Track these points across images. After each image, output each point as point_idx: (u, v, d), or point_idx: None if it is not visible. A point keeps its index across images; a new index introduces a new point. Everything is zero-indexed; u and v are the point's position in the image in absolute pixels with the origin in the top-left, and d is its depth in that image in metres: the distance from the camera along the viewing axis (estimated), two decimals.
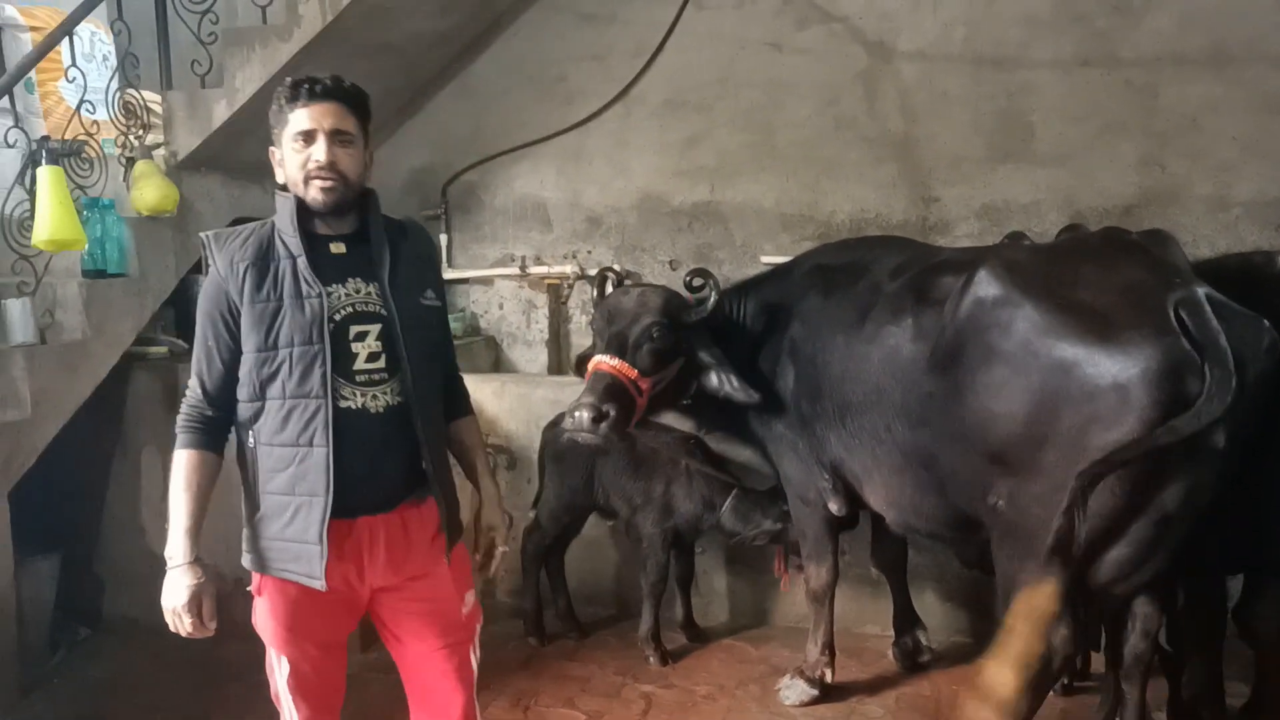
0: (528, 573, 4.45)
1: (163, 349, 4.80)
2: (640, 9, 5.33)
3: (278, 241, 2.39)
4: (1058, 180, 4.92)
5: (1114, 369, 2.61)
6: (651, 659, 4.21)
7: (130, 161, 4.44)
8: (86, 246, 4.12)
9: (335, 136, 2.34)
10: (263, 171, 5.40)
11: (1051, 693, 3.60)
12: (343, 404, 2.34)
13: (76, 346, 4.11)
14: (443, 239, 5.70)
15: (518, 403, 4.83)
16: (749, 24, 5.23)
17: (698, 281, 3.77)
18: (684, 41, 5.30)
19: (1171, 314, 2.62)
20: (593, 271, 5.38)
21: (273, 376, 2.33)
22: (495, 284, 5.77)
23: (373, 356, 2.38)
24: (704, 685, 4.05)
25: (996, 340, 2.83)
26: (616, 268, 5.41)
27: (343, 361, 2.35)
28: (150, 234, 4.48)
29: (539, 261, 5.68)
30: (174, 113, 4.67)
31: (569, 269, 5.61)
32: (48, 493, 4.34)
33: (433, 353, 2.53)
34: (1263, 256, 3.28)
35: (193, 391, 2.41)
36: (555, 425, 4.43)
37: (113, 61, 4.91)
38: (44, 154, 3.93)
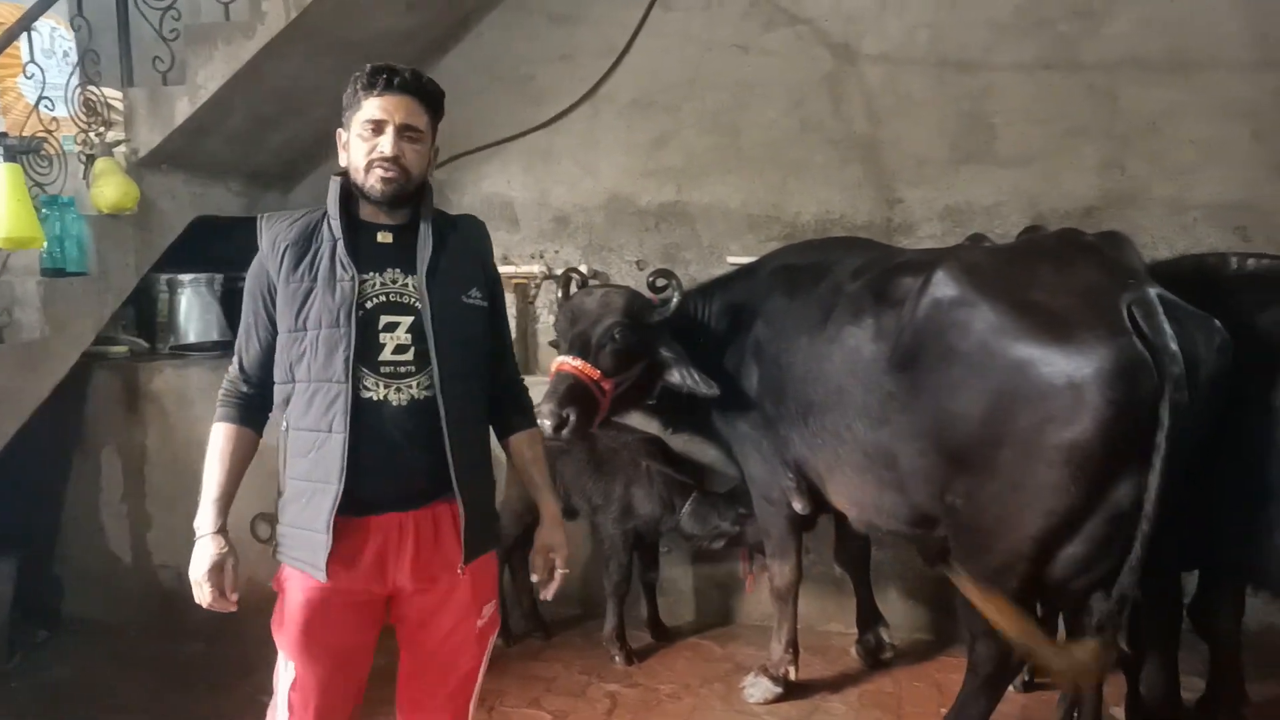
0: None
1: (123, 348, 4.75)
2: (608, 9, 5.33)
3: (324, 225, 2.37)
4: (1020, 182, 4.97)
5: (1068, 368, 2.65)
6: (616, 658, 4.22)
7: (90, 159, 4.37)
8: (45, 245, 4.06)
9: (404, 131, 2.31)
10: (225, 170, 5.38)
11: (1011, 689, 3.67)
12: (364, 394, 2.29)
13: (35, 345, 4.05)
14: None
15: None
16: (716, 25, 5.25)
17: (660, 282, 3.79)
18: (651, 42, 5.30)
19: (1125, 314, 2.67)
20: (560, 271, 5.36)
21: (300, 358, 2.32)
22: None
23: (401, 349, 2.33)
24: (669, 684, 4.07)
25: (954, 340, 2.86)
26: (582, 268, 5.41)
27: (369, 350, 2.30)
28: (110, 232, 4.43)
29: (506, 261, 5.65)
30: (135, 110, 4.60)
31: (536, 269, 5.59)
32: (5, 493, 4.28)
33: (471, 352, 2.43)
34: (1217, 258, 3.33)
35: (232, 367, 2.45)
36: None
37: (73, 58, 4.83)
38: (2, 151, 3.86)
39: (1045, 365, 2.68)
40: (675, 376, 3.67)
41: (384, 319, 2.32)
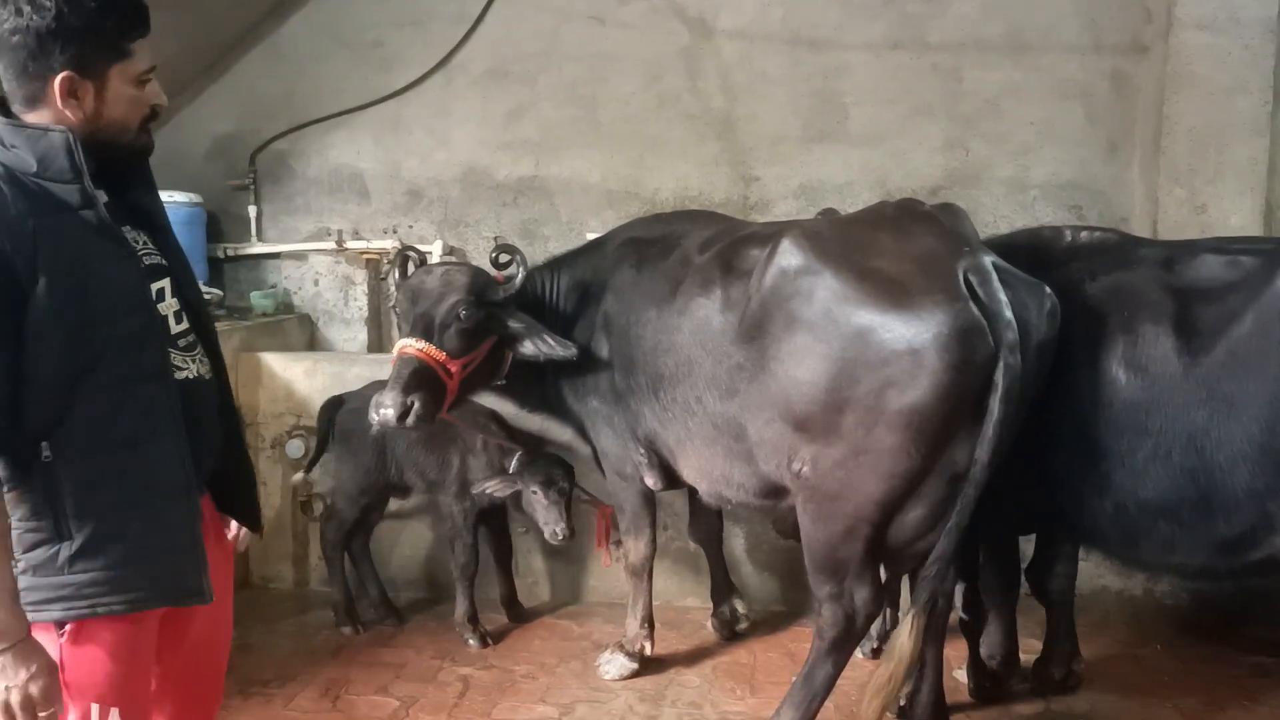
0: (331, 561, 4.28)
1: None
2: None
3: (38, 191, 1.84)
4: (870, 161, 5.07)
5: (908, 334, 2.68)
6: (470, 641, 4.12)
7: None
8: None
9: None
10: None
11: (859, 655, 3.73)
12: (180, 374, 1.99)
13: None
14: (251, 210, 5.40)
15: (332, 382, 4.63)
16: None
17: (504, 258, 3.66)
18: (506, 10, 5.19)
19: (961, 281, 2.73)
20: (419, 246, 5.22)
21: (90, 365, 1.86)
22: (309, 259, 5.51)
23: (178, 316, 2.04)
24: (524, 664, 3.99)
25: (798, 308, 2.87)
26: (438, 244, 5.27)
27: (163, 328, 2.00)
28: None
29: (357, 236, 5.46)
30: None
31: (389, 244, 5.41)
32: None
33: (207, 305, 2.24)
34: (1051, 230, 3.45)
35: None
36: (339, 403, 4.28)
37: None
38: None
39: (885, 331, 2.71)
40: (528, 347, 3.56)
41: (154, 286, 2.00)
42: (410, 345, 3.45)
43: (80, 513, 1.87)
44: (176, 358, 2.01)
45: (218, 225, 5.42)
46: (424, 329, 3.47)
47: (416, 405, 3.36)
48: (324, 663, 3.97)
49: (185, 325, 2.06)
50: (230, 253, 5.46)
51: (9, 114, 1.92)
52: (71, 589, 1.88)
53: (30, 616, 1.84)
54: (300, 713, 3.58)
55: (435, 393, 3.44)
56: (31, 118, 1.91)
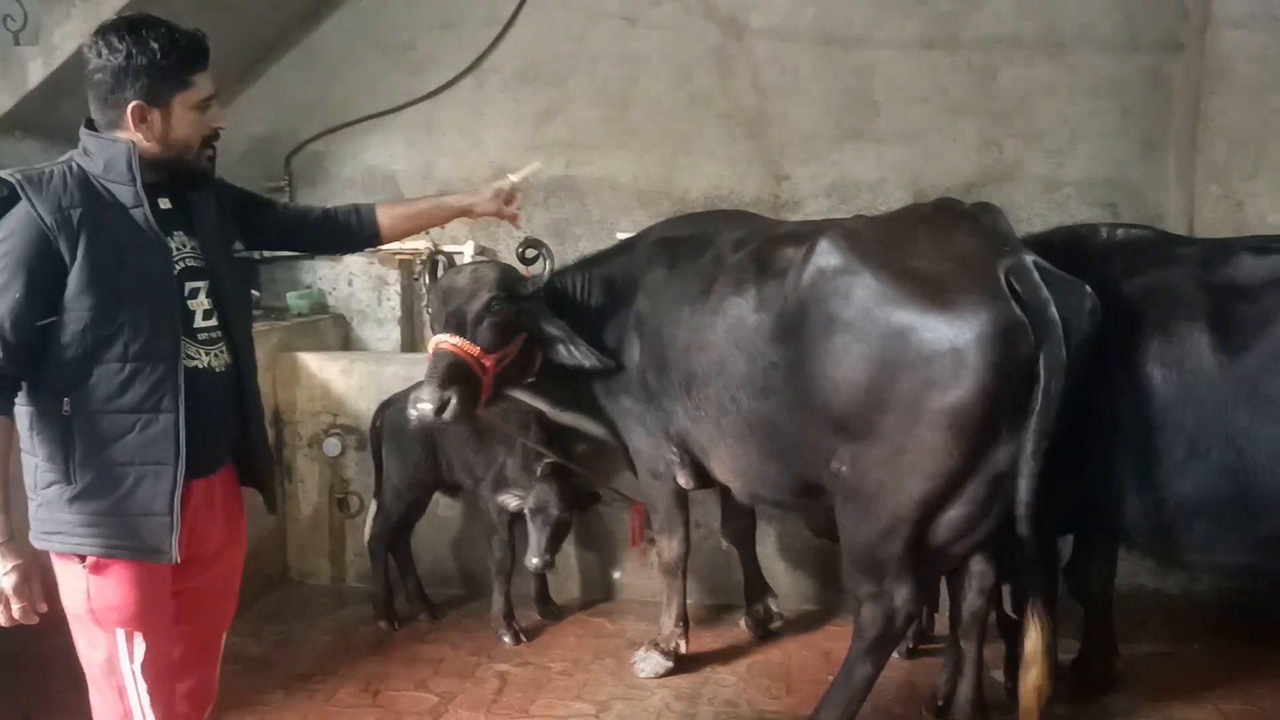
0: (375, 556, 4.33)
1: None
2: None
3: (99, 188, 2.21)
4: (902, 159, 5.05)
5: (949, 333, 2.69)
6: (505, 638, 4.15)
7: None
8: None
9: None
10: None
11: (896, 654, 3.73)
12: (189, 363, 2.27)
13: None
14: None
15: (367, 380, 4.68)
16: None
17: (530, 253, 3.68)
18: (537, 12, 5.20)
19: (1002, 280, 2.72)
20: (446, 247, 5.24)
21: (111, 338, 2.17)
22: (344, 259, 5.53)
23: (207, 314, 2.34)
24: (559, 661, 4.02)
25: (837, 308, 2.88)
26: (451, 248, 5.29)
27: (185, 320, 2.28)
28: None
29: None
30: None
31: (422, 244, 5.42)
32: None
33: (248, 307, 2.56)
34: (1088, 228, 3.44)
35: None
36: (391, 405, 4.33)
37: None
38: None
39: (926, 330, 2.71)
40: (562, 353, 3.60)
41: (188, 285, 2.31)
42: (445, 341, 3.48)
43: (84, 463, 2.20)
44: (193, 348, 2.29)
45: None
46: (457, 325, 3.50)
47: (453, 399, 3.40)
48: (363, 658, 4.01)
49: (213, 323, 2.34)
50: (266, 254, 5.50)
51: (95, 131, 2.28)
52: (67, 527, 2.22)
53: (35, 544, 2.24)
54: (342, 708, 3.63)
55: (471, 387, 3.47)
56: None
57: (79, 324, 2.15)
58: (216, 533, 2.44)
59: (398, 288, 5.53)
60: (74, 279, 2.13)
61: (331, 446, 4.67)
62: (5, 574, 2.13)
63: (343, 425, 4.68)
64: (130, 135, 2.23)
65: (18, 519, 2.21)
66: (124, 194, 2.21)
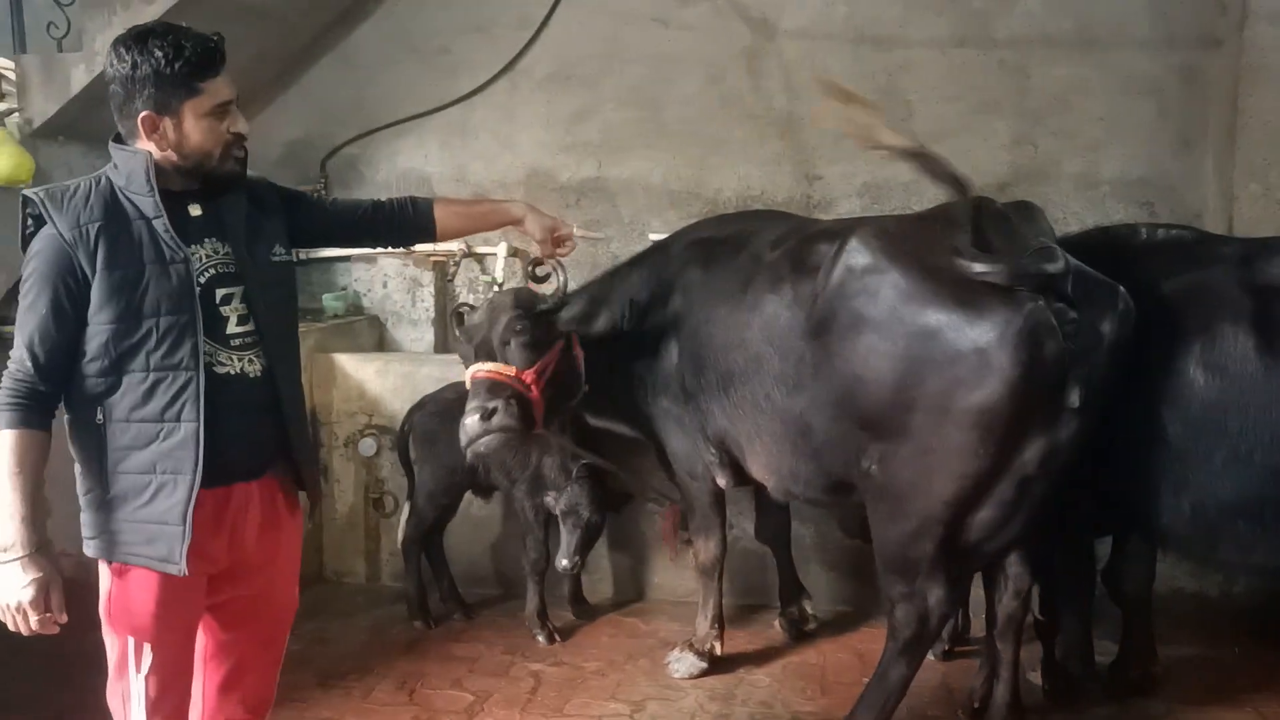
0: (408, 556, 4.36)
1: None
2: None
3: (123, 201, 2.22)
4: None
5: (975, 333, 2.68)
6: (539, 637, 4.17)
7: None
8: None
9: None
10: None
11: (931, 656, 3.71)
12: (220, 369, 2.27)
13: None
14: None
15: (402, 382, 4.73)
16: None
17: (541, 270, 3.65)
18: (569, 14, 5.22)
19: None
20: (479, 249, 5.29)
21: (134, 349, 2.19)
22: (379, 261, 5.60)
23: (242, 319, 2.33)
24: (593, 661, 4.03)
25: (865, 307, 2.88)
26: (479, 250, 5.32)
27: (216, 326, 2.28)
28: (3, 205, 4.20)
29: None
30: (28, 78, 4.37)
31: (455, 246, 5.47)
32: None
33: (289, 311, 2.52)
34: (1126, 229, 3.43)
35: (20, 365, 2.18)
36: (420, 409, 4.36)
37: None
38: None
39: (953, 330, 2.71)
40: (603, 323, 3.62)
41: (220, 291, 2.30)
42: (480, 369, 3.47)
43: (114, 470, 2.24)
44: (223, 355, 2.29)
45: None
46: (487, 353, 3.49)
47: (500, 410, 3.37)
48: (398, 656, 4.05)
49: (249, 328, 2.33)
50: (302, 256, 5.57)
51: (120, 143, 2.30)
52: (98, 531, 2.27)
53: (86, 548, 2.29)
54: (378, 705, 3.67)
55: (519, 404, 3.43)
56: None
57: (104, 336, 2.18)
58: (259, 538, 2.42)
59: (432, 289, 5.58)
60: (95, 292, 2.16)
61: (367, 446, 4.72)
62: (24, 586, 2.15)
63: (378, 426, 4.74)
64: (146, 145, 2.24)
65: (52, 531, 2.23)
66: (145, 205, 2.22)
